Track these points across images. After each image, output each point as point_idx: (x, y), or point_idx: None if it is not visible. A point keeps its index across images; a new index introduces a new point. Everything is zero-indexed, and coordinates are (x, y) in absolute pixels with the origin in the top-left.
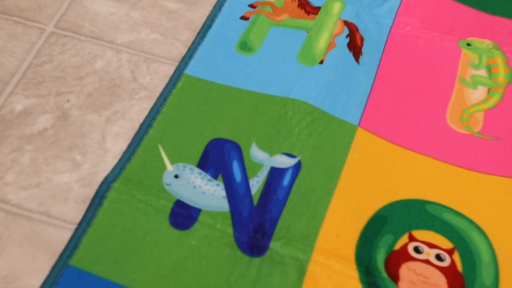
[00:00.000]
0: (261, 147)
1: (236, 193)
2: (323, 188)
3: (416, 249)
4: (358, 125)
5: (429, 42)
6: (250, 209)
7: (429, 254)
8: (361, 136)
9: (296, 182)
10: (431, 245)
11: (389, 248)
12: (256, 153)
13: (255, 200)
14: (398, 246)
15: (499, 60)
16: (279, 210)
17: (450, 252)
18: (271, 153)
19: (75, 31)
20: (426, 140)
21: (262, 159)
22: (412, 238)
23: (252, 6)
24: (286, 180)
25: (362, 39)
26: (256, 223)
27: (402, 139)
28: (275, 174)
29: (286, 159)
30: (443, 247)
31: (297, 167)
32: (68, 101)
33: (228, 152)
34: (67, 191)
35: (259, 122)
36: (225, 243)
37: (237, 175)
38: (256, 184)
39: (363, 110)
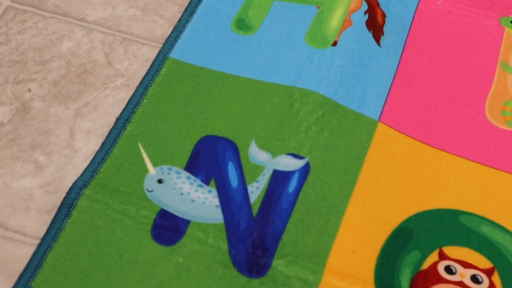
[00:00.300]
0: (262, 146)
1: (231, 201)
2: (336, 196)
3: (448, 269)
4: (379, 119)
5: (464, 20)
6: (249, 221)
7: (464, 275)
8: (382, 133)
9: (304, 189)
10: (466, 264)
11: (415, 267)
12: (256, 154)
13: (255, 210)
14: (426, 265)
15: None
16: (284, 222)
17: (488, 272)
18: (274, 153)
19: (37, 6)
20: (461, 138)
21: (263, 161)
22: (443, 256)
23: None
24: (291, 186)
25: (383, 16)
26: (255, 237)
27: (431, 137)
28: (279, 178)
29: (291, 160)
30: (480, 266)
31: (305, 170)
32: (29, 90)
33: (222, 152)
34: (28, 199)
35: (260, 116)
36: (218, 261)
37: (233, 180)
38: (256, 190)
39: (385, 102)
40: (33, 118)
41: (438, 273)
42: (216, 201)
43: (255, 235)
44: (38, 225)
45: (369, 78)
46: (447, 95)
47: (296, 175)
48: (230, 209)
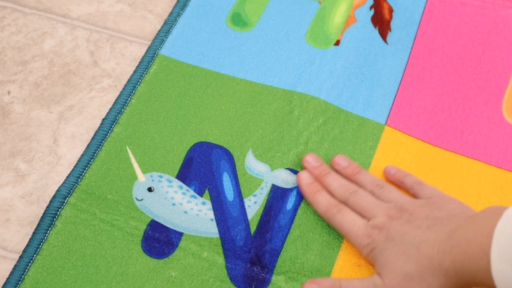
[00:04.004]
0: (259, 156)
1: (227, 215)
2: None
3: None
4: (385, 123)
5: (479, 11)
6: (246, 238)
7: None
8: (389, 138)
9: (303, 204)
10: None
11: None
12: (253, 165)
13: (253, 227)
14: None
15: None
16: (281, 239)
17: None
18: (272, 165)
19: (17, 2)
20: (476, 139)
21: (261, 173)
22: None
23: None
24: (290, 203)
25: (391, 11)
26: (253, 254)
27: (444, 139)
28: (277, 195)
29: (290, 176)
30: None
31: None
32: (9, 93)
33: (216, 162)
34: (9, 210)
35: (257, 124)
36: (214, 276)
37: (229, 193)
38: (253, 205)
39: (392, 103)
40: (13, 122)
41: None
42: (211, 214)
43: (253, 253)
44: (20, 239)
45: (375, 78)
46: (461, 93)
47: (294, 193)
48: (226, 224)
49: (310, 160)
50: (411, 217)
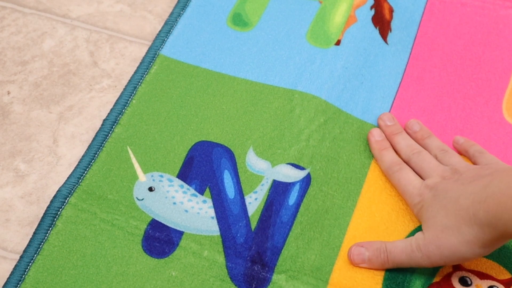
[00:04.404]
0: (260, 154)
1: (228, 212)
2: (339, 208)
3: (463, 281)
4: None
5: (479, 11)
6: (247, 234)
7: (480, 286)
8: None
9: (305, 201)
10: (483, 275)
11: (427, 280)
12: (254, 162)
13: (253, 224)
14: (438, 277)
15: None
16: (283, 236)
17: (507, 283)
18: (273, 162)
19: (16, 2)
20: (476, 139)
21: (262, 170)
22: (457, 266)
23: None
24: (292, 198)
25: (391, 11)
26: (254, 252)
27: (443, 139)
28: (278, 190)
29: (292, 171)
30: (499, 277)
31: (306, 181)
32: (8, 93)
33: (217, 160)
34: (9, 211)
35: (258, 122)
36: (214, 275)
37: (230, 190)
38: (254, 202)
39: (391, 105)
40: (13, 123)
41: (452, 285)
42: (212, 212)
43: (254, 250)
44: (19, 239)
45: (375, 79)
46: (461, 93)
47: (297, 187)
48: (227, 221)
49: (385, 118)
50: (460, 177)
